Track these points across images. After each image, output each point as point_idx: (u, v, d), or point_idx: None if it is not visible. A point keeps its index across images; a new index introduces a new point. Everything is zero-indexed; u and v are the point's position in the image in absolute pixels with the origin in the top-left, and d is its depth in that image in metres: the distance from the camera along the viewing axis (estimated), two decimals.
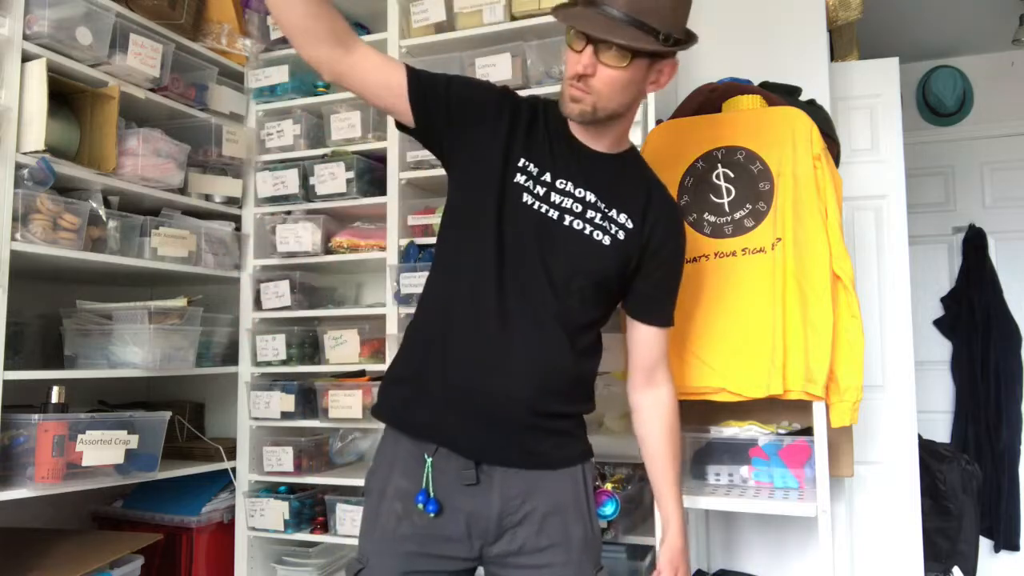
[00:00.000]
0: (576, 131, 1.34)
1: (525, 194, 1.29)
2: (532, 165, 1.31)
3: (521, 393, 1.25)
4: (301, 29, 1.21)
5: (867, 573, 2.34)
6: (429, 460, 1.26)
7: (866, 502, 2.37)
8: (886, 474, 2.36)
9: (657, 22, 1.20)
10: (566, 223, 1.29)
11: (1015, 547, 3.33)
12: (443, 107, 1.29)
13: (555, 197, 1.30)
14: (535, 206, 1.29)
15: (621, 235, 1.32)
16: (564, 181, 1.31)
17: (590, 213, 1.31)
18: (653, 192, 1.38)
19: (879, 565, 2.33)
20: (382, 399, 1.38)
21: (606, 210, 1.31)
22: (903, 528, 2.34)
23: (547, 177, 1.31)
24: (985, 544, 3.16)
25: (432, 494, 1.25)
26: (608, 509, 1.33)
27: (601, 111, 1.26)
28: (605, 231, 1.31)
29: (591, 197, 1.31)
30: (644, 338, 1.41)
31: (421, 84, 1.28)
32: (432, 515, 1.25)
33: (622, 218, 1.32)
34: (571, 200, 1.30)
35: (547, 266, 1.28)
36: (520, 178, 1.30)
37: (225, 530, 2.39)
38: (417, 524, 1.26)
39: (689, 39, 1.28)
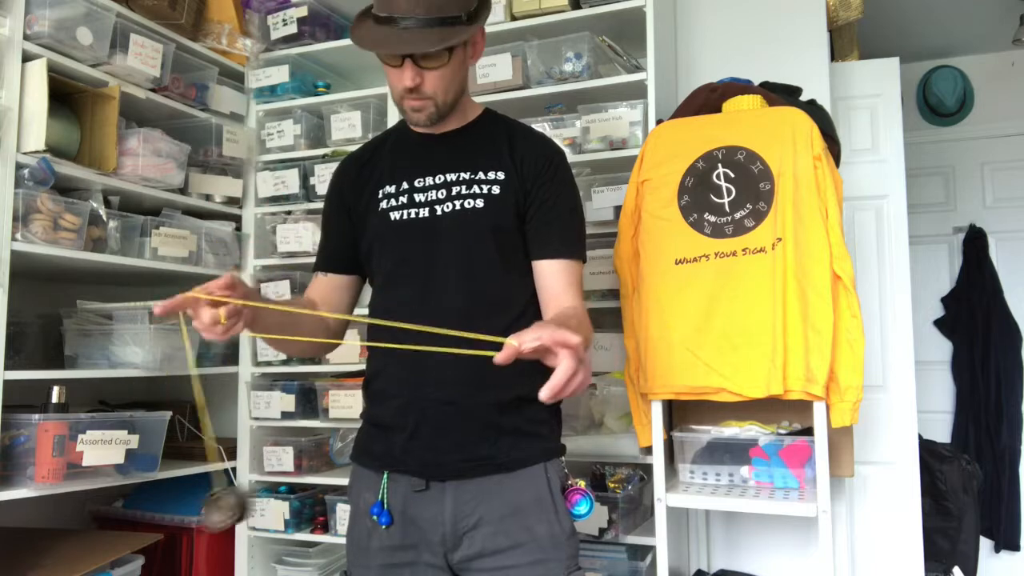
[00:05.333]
0: (422, 128, 1.37)
1: (392, 213, 1.35)
2: (388, 186, 1.37)
3: (453, 396, 1.26)
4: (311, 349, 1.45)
5: (867, 573, 2.34)
6: (386, 474, 1.31)
7: (866, 502, 2.36)
8: (886, 474, 2.36)
9: (453, 8, 1.22)
10: (439, 213, 1.32)
11: (1015, 547, 3.32)
12: (348, 233, 1.42)
13: (419, 196, 1.34)
14: (404, 216, 1.34)
15: (496, 189, 1.32)
16: (422, 179, 1.35)
17: (455, 189, 1.33)
18: (515, 138, 1.39)
19: (879, 565, 2.33)
20: (355, 439, 1.44)
21: (472, 177, 1.33)
22: (903, 528, 2.33)
23: (405, 185, 1.36)
24: (985, 544, 3.16)
25: (386, 506, 1.29)
26: (582, 508, 1.31)
27: (444, 107, 1.31)
28: (476, 196, 1.32)
29: (452, 176, 1.34)
30: (543, 273, 1.34)
31: (332, 253, 1.45)
32: (384, 527, 1.28)
33: (491, 175, 1.33)
34: (434, 191, 1.33)
35: (438, 261, 1.30)
36: (383, 204, 1.36)
37: (225, 530, 2.39)
38: (383, 536, 1.29)
39: (484, 4, 1.30)
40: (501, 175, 1.33)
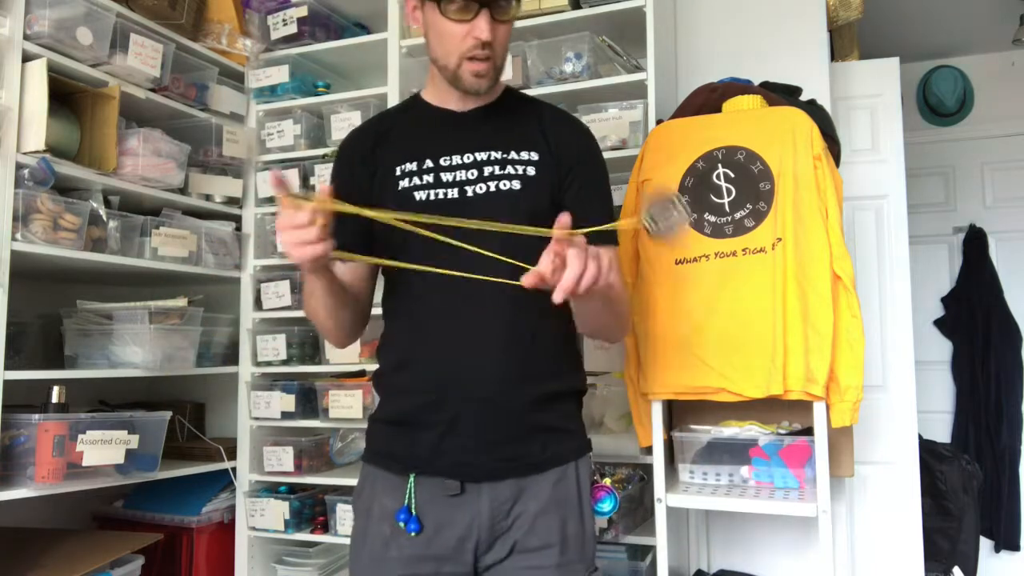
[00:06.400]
0: (445, 103, 1.30)
1: (416, 192, 1.25)
2: (409, 164, 1.27)
3: (491, 392, 1.20)
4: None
5: (867, 573, 2.34)
6: (412, 476, 1.22)
7: (866, 502, 2.36)
8: (886, 474, 2.36)
9: None
10: (469, 194, 1.23)
11: (1015, 547, 3.33)
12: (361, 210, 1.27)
13: (446, 176, 1.25)
14: (430, 196, 1.24)
15: (531, 170, 1.25)
16: (448, 157, 1.26)
17: (488, 170, 1.25)
18: (546, 118, 1.32)
19: (879, 565, 2.33)
20: (366, 440, 1.35)
21: (505, 156, 1.26)
22: (903, 528, 2.33)
23: (429, 163, 1.26)
24: (985, 544, 3.16)
25: (414, 511, 1.20)
26: (607, 505, 1.30)
27: (500, 70, 1.24)
28: (511, 177, 1.24)
29: (482, 156, 1.26)
30: None
31: (355, 238, 1.24)
32: (413, 534, 1.20)
33: (524, 155, 1.26)
34: (463, 170, 1.25)
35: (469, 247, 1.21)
36: (404, 183, 1.26)
37: (225, 530, 2.39)
38: (404, 545, 1.21)
39: None
40: (535, 155, 1.26)
